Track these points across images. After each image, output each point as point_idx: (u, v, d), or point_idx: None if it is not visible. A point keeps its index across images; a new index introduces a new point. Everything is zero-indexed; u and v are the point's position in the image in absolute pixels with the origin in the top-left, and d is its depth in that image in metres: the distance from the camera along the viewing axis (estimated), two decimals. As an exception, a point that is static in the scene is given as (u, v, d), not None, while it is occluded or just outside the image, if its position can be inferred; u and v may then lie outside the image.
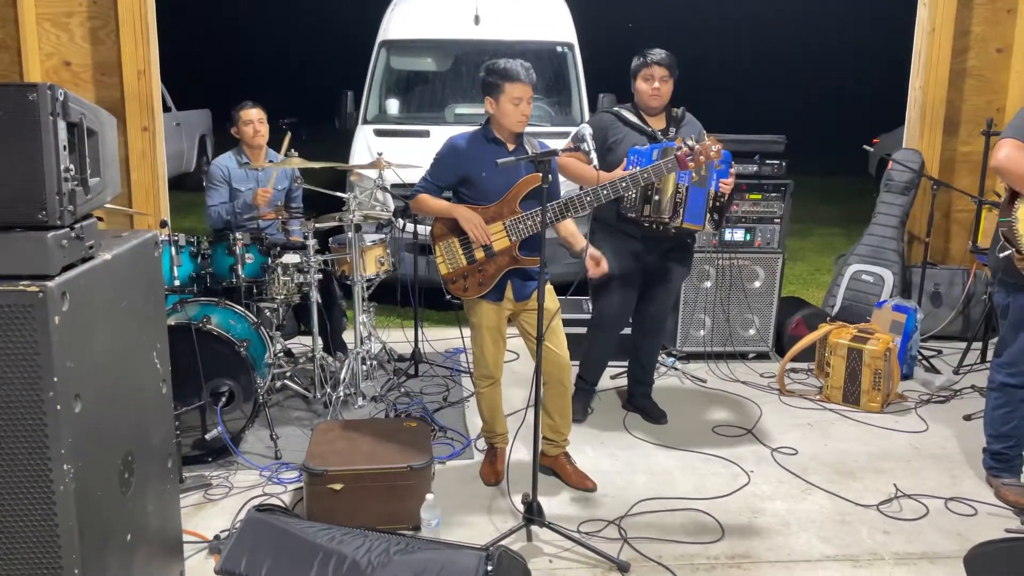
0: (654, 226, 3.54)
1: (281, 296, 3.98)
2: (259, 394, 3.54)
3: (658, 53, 3.63)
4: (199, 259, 3.83)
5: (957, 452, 3.74)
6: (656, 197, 3.46)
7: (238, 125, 4.40)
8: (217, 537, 2.86)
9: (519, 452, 3.44)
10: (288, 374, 4.11)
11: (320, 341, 4.07)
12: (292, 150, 4.07)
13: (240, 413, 3.52)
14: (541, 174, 2.83)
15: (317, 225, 4.01)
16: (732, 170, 3.59)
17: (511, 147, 3.17)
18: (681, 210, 3.48)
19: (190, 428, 3.41)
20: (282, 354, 4.23)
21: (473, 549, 2.26)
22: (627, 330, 4.13)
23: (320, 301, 4.04)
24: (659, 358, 4.82)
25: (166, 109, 6.44)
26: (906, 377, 4.59)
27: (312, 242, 3.93)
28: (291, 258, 3.98)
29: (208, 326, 3.44)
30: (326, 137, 6.93)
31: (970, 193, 5.18)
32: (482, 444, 3.60)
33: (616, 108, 3.77)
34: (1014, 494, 3.24)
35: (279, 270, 3.93)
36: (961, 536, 3.00)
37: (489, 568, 2.16)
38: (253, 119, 4.38)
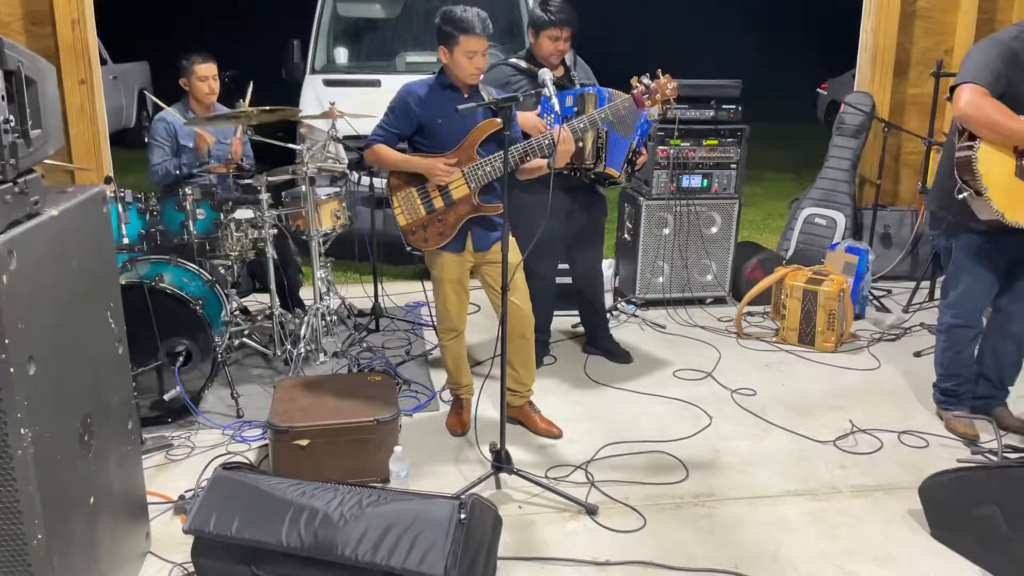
0: (575, 173, 3.53)
1: (235, 253, 3.88)
2: (217, 353, 3.47)
3: (564, 14, 3.52)
4: (148, 216, 3.70)
5: (908, 388, 3.87)
6: (579, 144, 3.41)
7: (190, 78, 4.18)
8: (182, 497, 2.83)
9: (484, 403, 3.44)
10: (246, 332, 4.04)
11: (277, 298, 3.99)
12: (241, 101, 3.93)
13: (198, 372, 3.44)
14: (501, 120, 2.78)
15: (270, 179, 3.89)
16: (644, 150, 3.63)
17: (467, 94, 3.10)
18: (603, 154, 3.50)
19: (147, 389, 3.34)
20: (239, 312, 4.15)
21: (445, 498, 2.26)
22: (566, 279, 4.18)
23: (276, 257, 3.95)
24: (619, 305, 4.87)
25: (102, 62, 6.13)
26: (859, 317, 4.71)
27: (265, 196, 3.82)
28: (244, 213, 3.87)
29: (161, 284, 3.35)
30: (271, 88, 6.71)
31: (920, 135, 5.27)
32: (447, 396, 3.59)
33: (512, 60, 3.68)
34: (963, 426, 3.37)
35: (232, 226, 3.82)
36: (915, 467, 3.11)
37: (462, 516, 2.17)
38: (208, 75, 4.16)
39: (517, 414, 3.44)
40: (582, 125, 3.08)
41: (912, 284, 5.07)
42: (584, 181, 3.65)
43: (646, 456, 3.23)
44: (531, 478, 2.95)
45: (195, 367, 3.43)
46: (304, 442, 2.92)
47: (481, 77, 3.10)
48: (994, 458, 3.16)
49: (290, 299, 4.34)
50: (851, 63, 5.76)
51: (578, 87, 3.54)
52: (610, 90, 3.44)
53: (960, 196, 3.02)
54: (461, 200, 3.07)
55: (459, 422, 3.43)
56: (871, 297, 4.95)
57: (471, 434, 3.35)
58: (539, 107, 3.43)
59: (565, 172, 3.53)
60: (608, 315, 4.43)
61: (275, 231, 3.93)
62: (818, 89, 11.63)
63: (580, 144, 3.42)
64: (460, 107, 2.85)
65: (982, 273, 3.14)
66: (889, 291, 5.22)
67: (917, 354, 4.23)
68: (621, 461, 3.19)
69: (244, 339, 4.02)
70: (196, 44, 4.49)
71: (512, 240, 3.14)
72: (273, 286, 3.94)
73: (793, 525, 2.79)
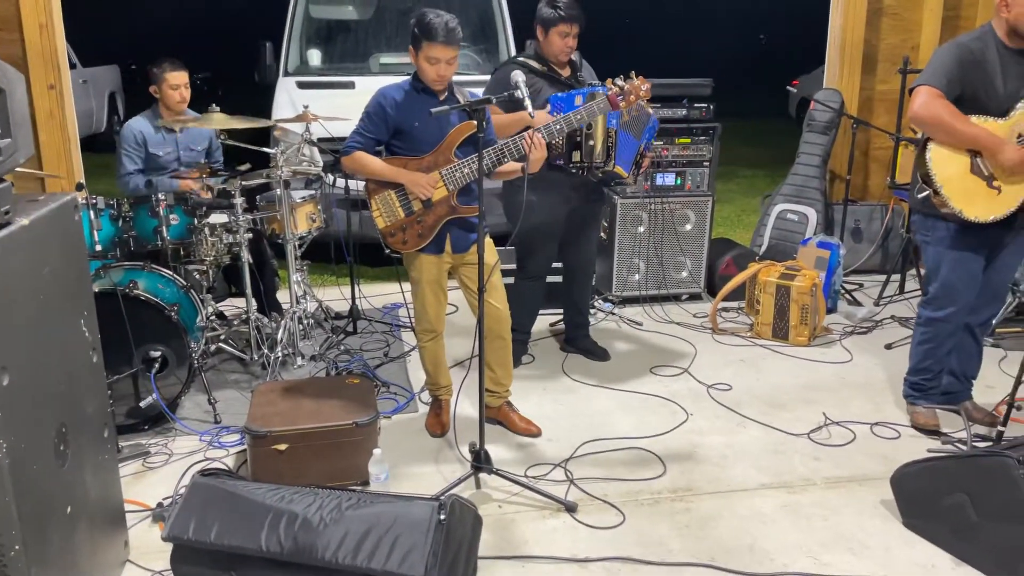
0: (582, 172, 3.56)
1: (210, 258, 3.86)
2: (193, 359, 3.45)
3: (573, 9, 3.56)
4: (120, 222, 3.67)
5: (880, 380, 3.94)
6: (591, 143, 3.48)
7: (161, 86, 4.14)
8: (160, 505, 2.81)
9: (463, 404, 3.46)
10: (222, 337, 4.02)
11: (254, 302, 3.98)
12: (213, 105, 3.90)
13: (175, 379, 3.42)
14: (476, 122, 2.79)
15: (244, 183, 3.88)
16: (650, 152, 3.68)
17: (442, 96, 3.11)
18: (613, 153, 3.53)
19: (123, 397, 3.31)
20: (214, 317, 4.13)
21: (425, 499, 2.27)
22: (556, 277, 4.20)
23: (251, 261, 3.94)
24: (596, 303, 4.90)
25: (71, 66, 6.05)
26: (831, 311, 4.78)
27: (240, 200, 3.81)
28: (218, 218, 3.86)
29: (135, 291, 3.32)
30: (244, 91, 6.67)
31: (888, 130, 5.35)
32: (426, 397, 3.60)
33: (521, 59, 3.71)
34: (923, 417, 3.43)
35: (206, 231, 3.80)
36: (887, 458, 3.17)
37: (442, 517, 2.18)
38: (180, 83, 4.11)
39: (496, 414, 3.45)
40: (559, 127, 3.10)
41: (883, 277, 5.15)
42: (592, 180, 3.68)
43: (624, 452, 3.27)
44: (510, 477, 2.97)
45: (171, 373, 3.41)
46: (283, 446, 2.91)
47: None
48: (963, 448, 3.23)
49: (266, 303, 4.32)
50: (822, 59, 5.84)
51: (587, 87, 3.55)
52: (591, 91, 3.45)
53: (921, 195, 3.08)
54: (440, 202, 3.08)
55: (438, 423, 3.44)
56: (843, 291, 5.02)
57: (450, 435, 3.36)
58: (548, 105, 3.44)
59: (574, 171, 3.56)
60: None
61: (250, 235, 3.91)
62: (788, 87, 11.75)
63: (592, 143, 3.46)
64: (433, 110, 2.85)
65: (961, 263, 3.18)
66: (860, 285, 5.30)
67: (888, 347, 4.30)
68: (600, 458, 3.22)
69: (220, 344, 4.00)
70: (167, 47, 4.46)
71: (489, 241, 3.16)
72: (249, 290, 3.92)
73: (769, 517, 2.84)
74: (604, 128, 3.47)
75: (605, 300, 4.93)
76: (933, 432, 3.38)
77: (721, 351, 4.32)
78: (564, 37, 3.58)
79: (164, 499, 2.86)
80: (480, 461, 2.97)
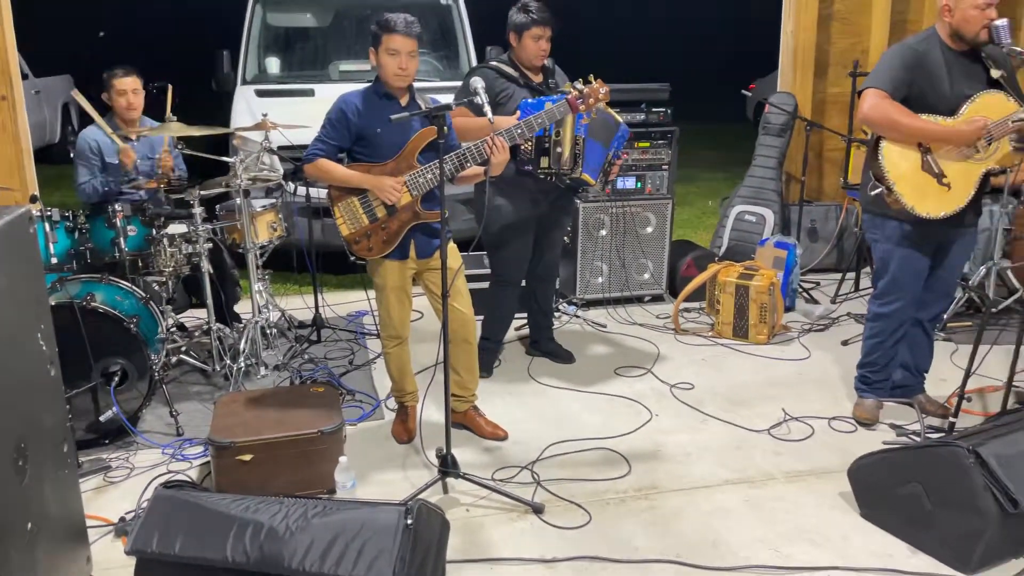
0: (550, 178, 3.60)
1: (169, 269, 3.82)
2: (154, 371, 3.41)
3: (544, 12, 3.61)
4: (76, 234, 3.61)
5: (837, 375, 4.03)
6: (558, 150, 3.51)
7: (110, 92, 4.09)
8: (123, 519, 2.78)
9: (429, 409, 3.46)
10: (183, 349, 3.98)
11: (214, 313, 3.94)
12: (171, 114, 3.87)
13: (135, 392, 3.38)
14: (437, 128, 2.81)
15: (203, 192, 3.85)
16: (619, 160, 3.72)
17: (403, 102, 3.13)
18: (580, 160, 3.56)
19: (83, 411, 3.26)
20: (175, 329, 4.08)
21: (392, 505, 2.28)
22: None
23: (212, 271, 3.90)
24: (560, 306, 4.94)
25: (23, 77, 5.92)
26: (789, 309, 4.88)
27: (199, 210, 3.77)
28: (177, 228, 3.82)
29: (93, 304, 3.28)
30: (201, 99, 6.59)
31: (840, 132, 5.49)
32: (392, 404, 3.60)
33: (494, 63, 3.75)
34: (861, 410, 3.53)
35: (165, 241, 3.76)
36: (844, 451, 3.25)
37: (409, 522, 2.19)
38: (127, 89, 4.02)
39: (462, 419, 3.47)
40: (520, 130, 3.13)
41: (838, 276, 5.28)
42: (559, 186, 3.70)
43: (590, 453, 3.30)
44: (478, 481, 2.99)
45: (132, 386, 3.36)
46: (247, 457, 2.90)
47: (426, 83, 3.13)
48: (917, 439, 3.32)
49: (228, 313, 4.29)
50: (776, 64, 5.97)
51: (558, 95, 3.57)
52: (560, 98, 3.48)
53: (873, 192, 3.17)
54: (403, 208, 3.09)
55: (404, 430, 3.44)
56: (800, 290, 5.13)
57: (417, 441, 3.36)
58: (517, 112, 3.47)
59: (542, 176, 3.58)
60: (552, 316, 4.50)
61: (210, 245, 3.88)
62: (744, 91, 11.94)
63: (560, 150, 3.49)
64: (393, 117, 2.87)
65: (909, 260, 3.27)
66: (817, 283, 5.42)
67: (845, 343, 4.41)
68: (566, 459, 3.25)
69: (181, 356, 3.96)
70: (122, 55, 4.40)
71: (453, 246, 3.18)
72: (210, 301, 3.89)
73: (732, 512, 2.89)
74: (572, 135, 3.50)
75: (569, 303, 4.98)
76: (868, 425, 3.48)
77: (683, 351, 4.38)
78: (537, 40, 3.62)
79: (126, 513, 2.82)
80: (447, 466, 2.98)
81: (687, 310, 4.89)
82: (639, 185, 4.89)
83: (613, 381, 4.00)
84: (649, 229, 4.96)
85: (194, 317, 4.63)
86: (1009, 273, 4.57)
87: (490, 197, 2.99)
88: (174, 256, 3.79)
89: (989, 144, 3.07)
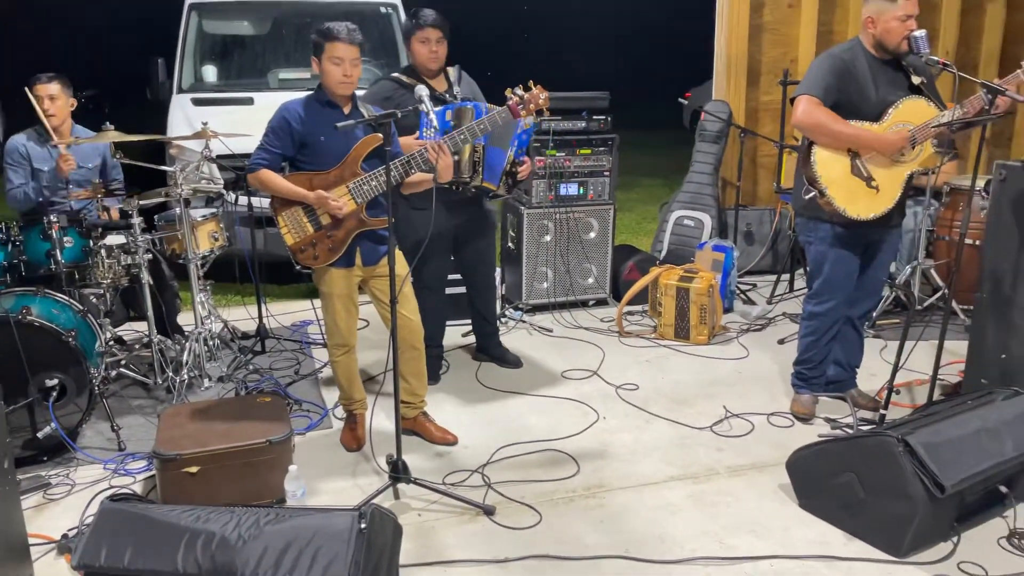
0: (454, 187, 3.59)
1: (107, 280, 3.74)
2: (94, 385, 3.33)
3: (430, 15, 3.62)
4: (9, 246, 3.51)
5: (774, 373, 4.17)
6: (456, 158, 3.48)
7: (33, 100, 3.98)
8: (65, 536, 2.70)
9: (378, 417, 3.47)
10: (123, 362, 3.89)
11: (155, 325, 3.87)
12: (108, 123, 3.79)
13: (74, 407, 3.29)
14: (381, 135, 2.83)
15: (142, 202, 3.78)
16: (527, 159, 3.71)
17: (346, 110, 3.14)
18: (480, 168, 3.57)
19: (20, 428, 3.17)
20: (113, 342, 3.99)
21: (345, 510, 2.29)
22: (460, 289, 4.27)
23: (151, 283, 3.83)
24: (507, 312, 4.99)
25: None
26: (727, 310, 5.03)
27: (138, 220, 3.70)
28: (115, 239, 3.74)
29: (28, 317, 3.19)
30: (135, 108, 6.45)
31: (772, 139, 5.68)
32: (340, 412, 3.59)
33: (394, 74, 3.74)
34: (799, 405, 3.67)
35: (103, 252, 3.68)
36: (782, 445, 3.36)
37: (362, 526, 2.20)
38: (43, 95, 3.92)
39: (412, 425, 3.48)
40: (462, 136, 3.17)
41: (773, 277, 5.46)
42: (467, 195, 3.70)
43: (539, 455, 3.35)
44: (429, 485, 3.01)
45: (70, 401, 3.28)
46: (194, 469, 2.86)
47: (360, 92, 3.14)
48: (850, 432, 3.46)
49: (168, 325, 4.21)
50: (711, 73, 6.15)
51: (458, 102, 3.62)
52: (487, 105, 3.54)
53: (807, 196, 3.30)
54: (349, 216, 3.09)
55: (354, 437, 3.44)
56: (738, 291, 5.29)
57: (367, 448, 3.36)
58: (419, 125, 3.48)
59: (446, 186, 3.59)
60: (497, 322, 4.53)
61: (149, 256, 3.81)
62: (680, 99, 12.23)
63: (457, 158, 3.49)
64: (339, 124, 2.88)
65: (841, 261, 3.41)
66: (754, 285, 5.59)
67: (781, 341, 4.56)
68: (516, 461, 3.29)
69: (122, 369, 3.87)
70: (54, 62, 4.29)
71: (399, 253, 3.19)
72: (150, 313, 3.82)
73: (677, 507, 2.97)
74: (472, 144, 3.49)
75: (515, 308, 5.03)
76: (805, 420, 3.62)
77: (628, 353, 4.47)
78: (425, 44, 3.61)
79: (69, 530, 2.75)
80: (398, 472, 2.99)
81: (630, 313, 4.99)
82: (582, 191, 4.98)
83: (560, 384, 4.06)
84: (592, 234, 5.05)
85: (133, 330, 4.54)
86: (932, 272, 4.79)
87: (436, 203, 3.00)
88: (112, 268, 3.71)
89: (913, 147, 3.23)
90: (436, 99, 3.65)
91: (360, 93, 3.31)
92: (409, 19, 3.67)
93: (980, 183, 4.21)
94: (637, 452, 3.38)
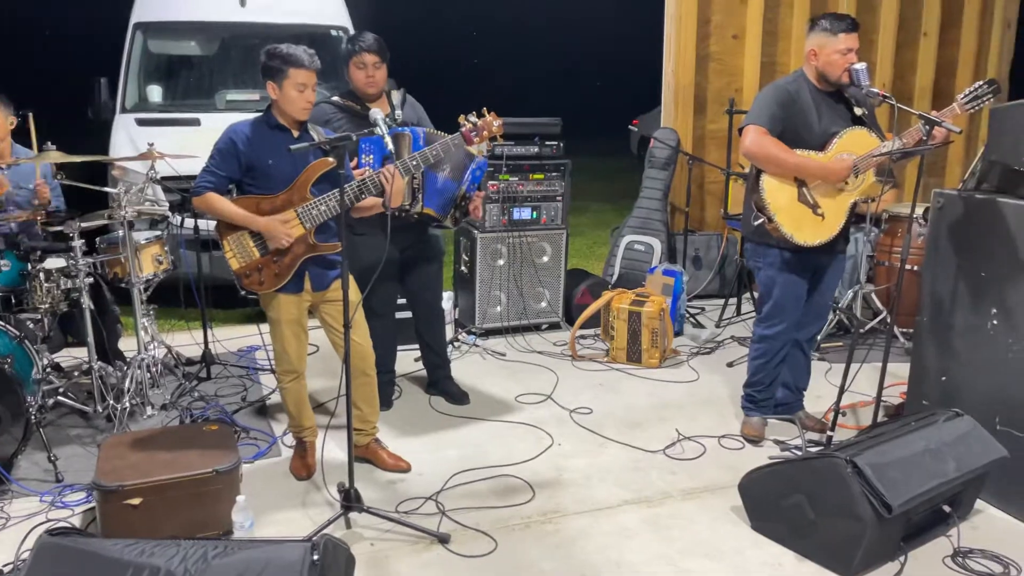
0: (398, 213, 3.52)
1: (46, 305, 3.61)
2: (30, 414, 3.20)
3: (367, 40, 3.58)
4: (-59, 270, 3.37)
5: (724, 395, 4.23)
6: (403, 186, 3.43)
7: None
8: (0, 572, 2.57)
9: (328, 445, 3.40)
10: (61, 390, 3.75)
11: (95, 351, 3.74)
12: (48, 143, 3.68)
13: (9, 437, 3.16)
14: (333, 159, 2.80)
15: (84, 224, 3.66)
16: (480, 193, 3.70)
17: (296, 133, 3.10)
18: (420, 195, 3.51)
19: (-52, 460, 3.02)
20: (50, 369, 3.84)
21: (296, 542, 2.22)
22: (407, 313, 4.21)
23: (92, 308, 3.71)
24: (460, 336, 4.96)
25: None
26: (678, 334, 5.09)
27: (79, 243, 3.59)
28: (55, 262, 3.62)
29: (-40, 344, 3.05)
30: (76, 128, 6.26)
31: (719, 166, 5.81)
32: (289, 440, 3.51)
33: (334, 98, 3.69)
34: (749, 428, 3.73)
35: (41, 276, 3.56)
36: (734, 468, 3.40)
37: (315, 558, 2.14)
38: None
39: (364, 452, 3.42)
40: (415, 163, 3.16)
41: (721, 301, 5.55)
42: (411, 222, 3.62)
43: (494, 481, 3.32)
44: (382, 514, 2.95)
45: (5, 431, 3.14)
46: (136, 501, 2.75)
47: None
48: (799, 453, 3.52)
49: (110, 351, 4.07)
50: (658, 100, 6.27)
51: (394, 127, 3.57)
52: (425, 130, 3.53)
53: (756, 223, 3.38)
54: (297, 240, 3.04)
55: (303, 465, 3.36)
56: (687, 315, 5.36)
57: (317, 476, 3.29)
58: (357, 151, 3.44)
59: (387, 212, 3.53)
60: (450, 346, 4.51)
61: (90, 280, 3.69)
62: (630, 126, 12.45)
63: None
64: (293, 147, 2.84)
65: (790, 285, 3.49)
66: (703, 309, 5.67)
67: (730, 364, 4.63)
68: (470, 488, 3.26)
69: (59, 397, 3.73)
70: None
71: (351, 277, 3.15)
72: (91, 338, 3.69)
73: (632, 532, 2.98)
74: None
75: (469, 333, 5.01)
76: (756, 442, 3.67)
77: (581, 376, 4.49)
78: (362, 69, 3.57)
79: (4, 566, 2.62)
80: (350, 500, 2.93)
81: (583, 337, 5.01)
82: (535, 216, 5.01)
83: (514, 408, 4.05)
84: (545, 258, 5.07)
85: (71, 356, 4.38)
86: (873, 296, 4.94)
87: (384, 229, 2.97)
88: (51, 292, 3.59)
89: (856, 176, 3.33)
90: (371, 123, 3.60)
91: None
92: (347, 43, 3.62)
93: (918, 211, 4.36)
94: (592, 477, 3.38)
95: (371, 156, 3.47)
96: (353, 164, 3.40)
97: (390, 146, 2.98)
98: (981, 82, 3.26)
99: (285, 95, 2.99)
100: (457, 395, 4.15)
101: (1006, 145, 3.08)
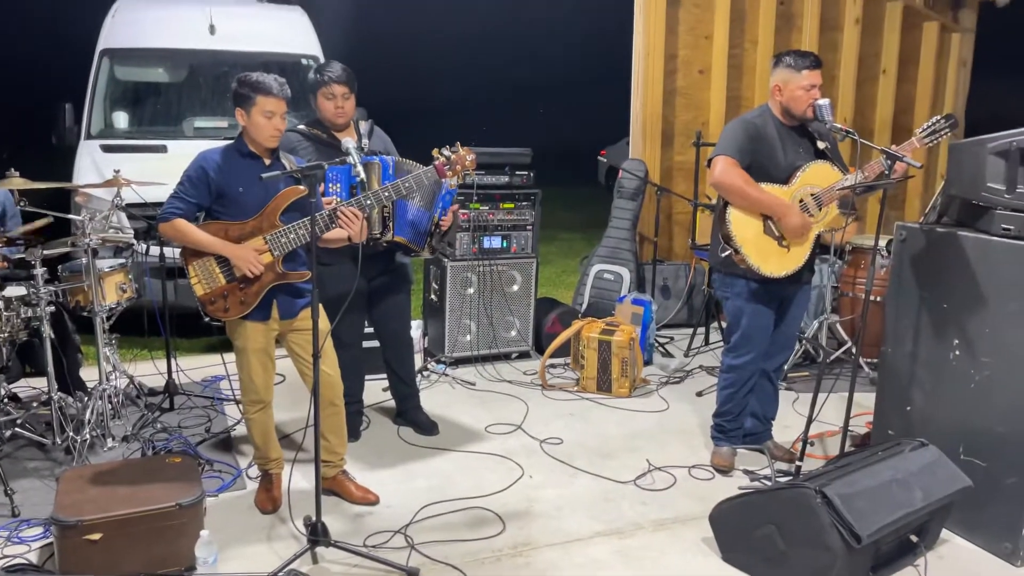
0: (367, 243, 3.51)
1: (4, 334, 3.52)
2: (-15, 447, 3.10)
3: (335, 70, 3.57)
4: None
5: (694, 425, 4.24)
6: (365, 214, 3.40)
7: None
8: (-53, 615, 2.48)
9: (294, 477, 3.33)
10: (19, 421, 3.64)
11: (55, 382, 3.64)
12: (12, 169, 3.61)
13: (-38, 471, 3.05)
14: (305, 187, 2.79)
15: (46, 252, 3.59)
16: (454, 207, 3.72)
17: (267, 161, 3.08)
18: (390, 223, 3.53)
19: None
20: (7, 400, 3.74)
21: (262, 578, 2.17)
22: (375, 342, 4.16)
23: (53, 337, 3.62)
24: (429, 365, 4.93)
25: None
26: (647, 363, 5.11)
27: (41, 271, 3.51)
28: (15, 290, 3.54)
29: (-87, 374, 2.96)
30: (39, 154, 6.17)
31: (687, 197, 5.89)
32: (254, 472, 3.44)
33: (301, 127, 3.68)
34: (719, 458, 3.74)
35: (0, 304, 3.47)
36: (704, 498, 3.40)
37: (281, 594, 2.09)
38: None
39: (331, 484, 3.36)
40: (387, 194, 3.15)
41: (689, 330, 5.59)
42: (380, 249, 3.62)
43: (464, 513, 3.28)
44: (349, 548, 2.89)
45: (-43, 465, 3.04)
46: (96, 536, 2.67)
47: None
48: (768, 483, 3.54)
49: (71, 381, 3.97)
50: (623, 132, 6.37)
51: (366, 156, 3.57)
52: (394, 159, 3.53)
53: (724, 254, 3.42)
54: (265, 268, 3.01)
55: (269, 498, 3.29)
56: (656, 344, 5.39)
57: (284, 510, 3.22)
58: (324, 179, 3.43)
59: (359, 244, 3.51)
60: (419, 375, 4.47)
61: (52, 308, 3.61)
62: (599, 156, 12.61)
63: (366, 214, 3.36)
64: (265, 175, 2.82)
65: (757, 315, 3.53)
66: (671, 338, 5.71)
67: (699, 394, 4.66)
68: (440, 521, 3.22)
69: (17, 429, 3.62)
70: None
71: (320, 306, 3.12)
72: (51, 368, 3.59)
73: (604, 563, 2.95)
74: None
75: (438, 362, 4.98)
76: (726, 472, 3.68)
77: (551, 406, 4.48)
78: (330, 99, 3.55)
79: (-48, 609, 2.52)
80: (317, 534, 2.87)
81: (553, 365, 5.01)
82: (505, 244, 5.02)
83: (484, 439, 4.02)
84: (515, 287, 5.08)
85: (29, 387, 4.26)
86: (838, 326, 5.02)
87: (351, 258, 2.96)
88: (10, 321, 3.51)
89: (820, 209, 3.40)
90: (342, 153, 3.59)
91: None
92: (314, 73, 3.60)
93: (881, 242, 4.45)
94: (563, 508, 3.36)
95: (338, 184, 3.46)
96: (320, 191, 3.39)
97: (362, 175, 2.97)
98: (939, 117, 3.36)
99: (253, 122, 2.98)
100: (426, 425, 4.10)
101: (965, 180, 3.17)
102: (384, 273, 3.84)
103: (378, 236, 3.49)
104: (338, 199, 3.33)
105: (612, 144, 12.33)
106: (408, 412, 4.17)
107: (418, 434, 4.06)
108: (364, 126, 3.77)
